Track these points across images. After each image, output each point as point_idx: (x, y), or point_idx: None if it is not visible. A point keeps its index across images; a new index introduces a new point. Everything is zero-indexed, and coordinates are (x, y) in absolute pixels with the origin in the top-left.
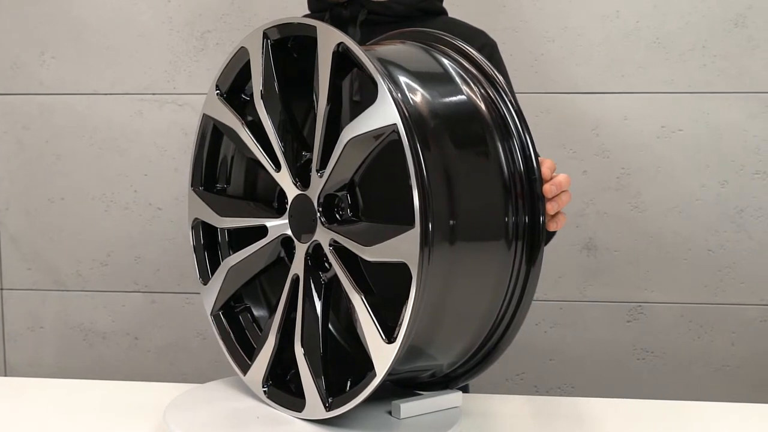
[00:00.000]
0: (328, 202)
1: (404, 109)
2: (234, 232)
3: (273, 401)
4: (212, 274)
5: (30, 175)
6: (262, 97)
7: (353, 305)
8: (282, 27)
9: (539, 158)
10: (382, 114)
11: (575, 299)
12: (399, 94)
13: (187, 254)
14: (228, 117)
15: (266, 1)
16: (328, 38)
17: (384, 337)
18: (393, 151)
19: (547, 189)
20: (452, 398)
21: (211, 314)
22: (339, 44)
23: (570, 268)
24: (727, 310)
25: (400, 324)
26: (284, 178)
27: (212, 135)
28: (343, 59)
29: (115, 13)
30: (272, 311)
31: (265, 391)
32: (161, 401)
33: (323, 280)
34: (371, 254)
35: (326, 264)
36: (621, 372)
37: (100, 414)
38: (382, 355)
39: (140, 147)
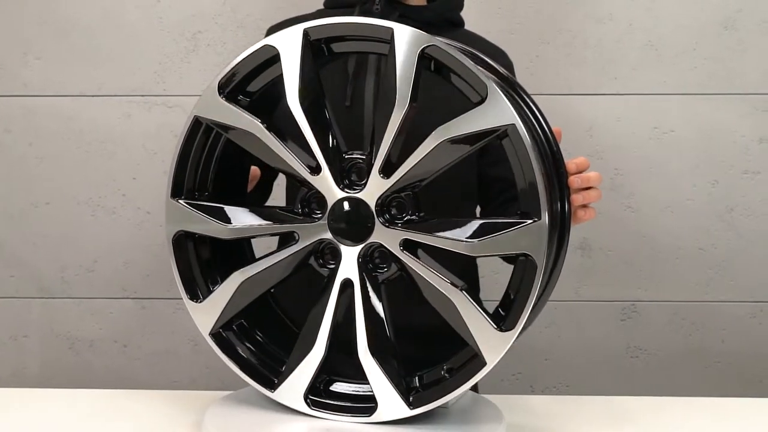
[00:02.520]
0: (386, 203)
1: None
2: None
3: (326, 411)
4: (202, 291)
5: (12, 178)
6: (300, 98)
7: (449, 301)
8: (338, 26)
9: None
10: (496, 114)
11: (570, 299)
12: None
13: None
14: (243, 120)
15: (257, 1)
16: (411, 39)
17: (496, 327)
18: None
19: (572, 180)
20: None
21: (210, 334)
22: (427, 46)
23: (565, 267)
24: (717, 307)
25: (522, 312)
26: (324, 182)
27: (200, 139)
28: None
29: (103, 13)
30: (280, 320)
31: (310, 403)
32: (173, 411)
33: (380, 281)
34: (478, 249)
35: (381, 266)
36: (615, 370)
37: (112, 425)
38: (494, 344)
39: (129, 150)
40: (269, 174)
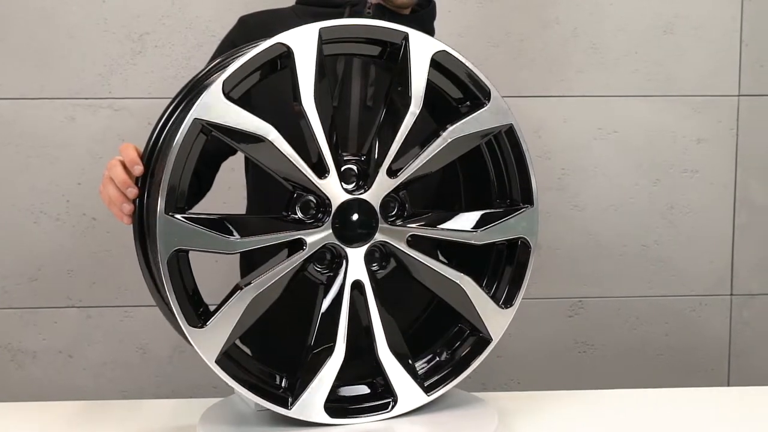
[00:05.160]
0: (386, 203)
1: None
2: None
3: (348, 418)
4: (200, 315)
5: None
6: (315, 99)
7: (458, 287)
8: (353, 27)
9: None
10: (498, 116)
11: None
12: None
13: (127, 265)
14: (254, 124)
15: (207, 2)
16: (424, 45)
17: (498, 305)
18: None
19: None
20: None
21: (215, 361)
22: (439, 52)
23: None
24: (660, 302)
25: (519, 290)
26: (330, 185)
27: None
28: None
29: (43, 13)
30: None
31: (330, 414)
32: (129, 421)
33: (379, 279)
34: (483, 237)
35: (383, 264)
36: (564, 365)
37: None
38: (497, 321)
39: (73, 154)
40: (209, 174)
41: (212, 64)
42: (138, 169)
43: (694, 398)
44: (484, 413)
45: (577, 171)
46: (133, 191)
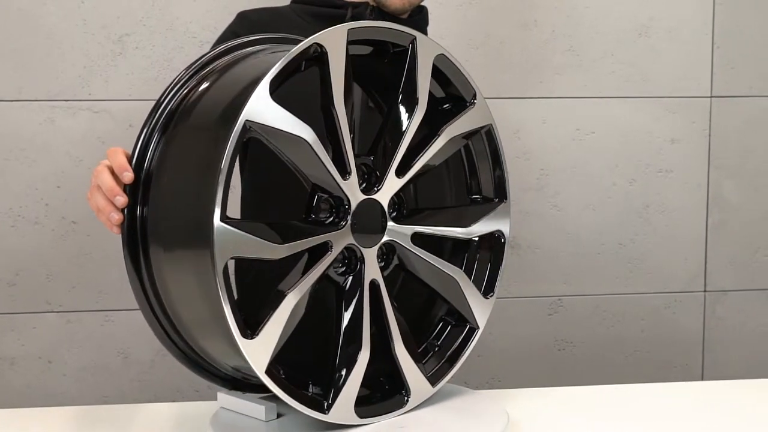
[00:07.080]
0: (393, 201)
1: None
2: None
3: (375, 417)
4: (248, 324)
5: None
6: (344, 100)
7: (453, 280)
8: (372, 30)
9: None
10: (481, 116)
11: (500, 296)
12: None
13: (107, 269)
14: (296, 126)
15: (187, 3)
16: (429, 48)
17: (483, 295)
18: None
19: None
20: None
21: (265, 372)
22: (439, 55)
23: None
24: (636, 299)
25: (496, 280)
26: (351, 186)
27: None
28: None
29: (20, 13)
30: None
31: (359, 413)
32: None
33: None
34: (472, 232)
35: (389, 262)
36: (544, 363)
37: None
38: (482, 310)
39: (52, 157)
40: None
41: (205, 54)
42: (128, 176)
43: (669, 392)
44: (494, 410)
45: (556, 171)
46: (121, 200)
